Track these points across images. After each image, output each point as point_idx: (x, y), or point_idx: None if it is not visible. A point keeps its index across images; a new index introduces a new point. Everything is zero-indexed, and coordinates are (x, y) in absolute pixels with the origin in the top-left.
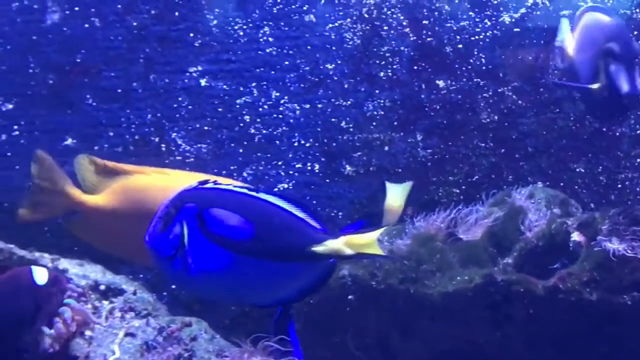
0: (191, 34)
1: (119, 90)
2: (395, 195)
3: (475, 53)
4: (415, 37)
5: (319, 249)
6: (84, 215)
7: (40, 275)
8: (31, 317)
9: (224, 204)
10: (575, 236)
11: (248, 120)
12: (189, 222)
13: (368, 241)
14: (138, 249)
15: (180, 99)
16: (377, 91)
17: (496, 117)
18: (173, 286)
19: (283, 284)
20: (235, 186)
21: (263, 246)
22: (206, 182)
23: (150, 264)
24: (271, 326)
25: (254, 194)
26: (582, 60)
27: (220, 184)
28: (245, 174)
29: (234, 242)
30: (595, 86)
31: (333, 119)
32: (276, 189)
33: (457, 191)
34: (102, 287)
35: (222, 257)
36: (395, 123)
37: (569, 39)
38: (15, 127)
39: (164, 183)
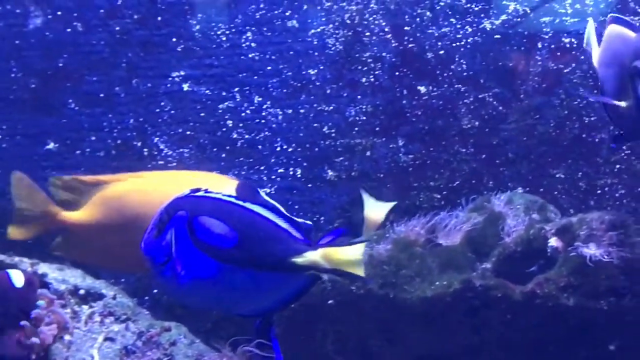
0: (174, 39)
1: (102, 95)
2: (376, 210)
3: (457, 59)
4: (397, 43)
5: (298, 260)
6: (69, 234)
7: (18, 278)
8: (12, 321)
9: (212, 212)
10: (553, 241)
11: (230, 125)
12: (180, 229)
13: (349, 258)
14: (127, 257)
15: (162, 103)
16: (359, 97)
17: (477, 123)
18: (164, 294)
19: (265, 293)
20: (224, 195)
21: (245, 255)
22: (198, 189)
23: (142, 271)
24: (254, 331)
25: (241, 203)
26: (606, 75)
27: (211, 192)
28: None
29: (219, 250)
30: (623, 104)
31: (315, 124)
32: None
33: (438, 196)
34: (82, 292)
35: (208, 265)
36: (377, 128)
37: (594, 46)
38: None
39: (140, 187)
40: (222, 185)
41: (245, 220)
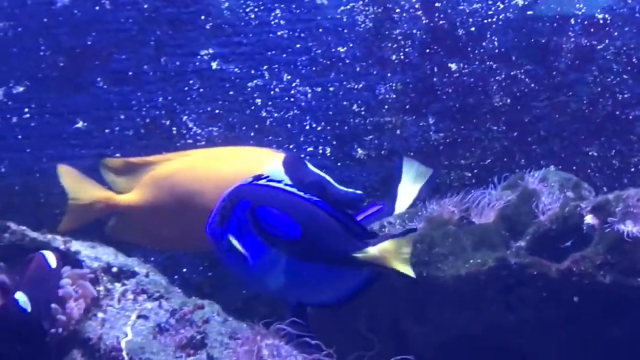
0: (202, 17)
1: (130, 73)
2: (412, 178)
3: (488, 36)
4: (427, 20)
5: (359, 255)
6: (122, 216)
7: (52, 259)
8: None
9: (275, 203)
10: (589, 219)
11: (259, 103)
12: (244, 218)
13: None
14: (180, 236)
15: (191, 81)
16: (389, 74)
17: (509, 101)
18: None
19: (327, 286)
20: (286, 185)
21: (308, 248)
22: (260, 177)
23: (196, 249)
24: (288, 310)
25: (302, 194)
26: None
27: (273, 181)
28: None
29: (282, 241)
30: None
31: (345, 102)
32: None
33: (469, 175)
34: (114, 270)
35: (269, 255)
36: (407, 106)
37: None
38: (26, 110)
39: (189, 165)
40: (269, 159)
41: (307, 213)
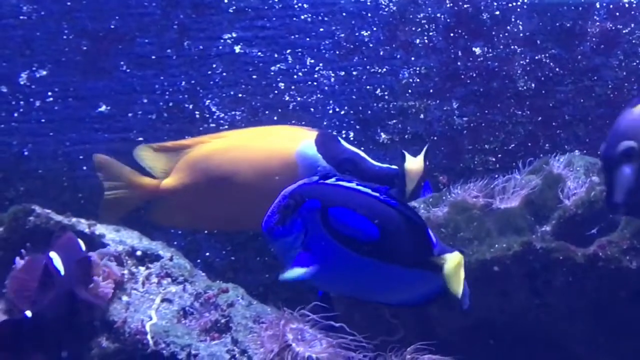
0: (225, 0)
1: (153, 57)
2: (414, 160)
3: (513, 20)
4: (451, 4)
5: (439, 261)
6: (162, 201)
7: (81, 243)
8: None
9: (349, 204)
10: None
11: (282, 87)
12: (312, 218)
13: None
14: (219, 216)
15: (214, 65)
16: (412, 58)
17: (533, 85)
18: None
19: (405, 288)
20: (358, 184)
21: (387, 250)
22: (327, 176)
23: (236, 230)
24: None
25: (377, 195)
26: None
27: (343, 180)
28: None
29: (358, 243)
30: None
31: (368, 87)
32: None
33: (493, 159)
34: (139, 253)
35: (344, 257)
36: (431, 91)
37: None
38: (49, 93)
39: (222, 146)
40: (301, 137)
41: (383, 214)
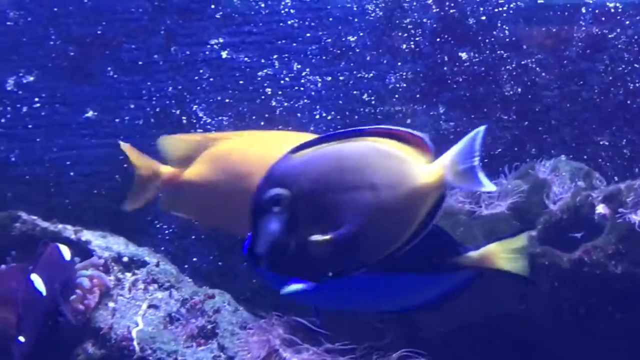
0: (212, 6)
1: (140, 63)
2: None
3: (499, 25)
4: (437, 9)
5: (460, 261)
6: (178, 190)
7: (65, 252)
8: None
9: None
10: (600, 209)
11: (269, 92)
12: None
13: (510, 257)
14: (232, 215)
15: (201, 71)
16: (399, 63)
17: (519, 90)
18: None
19: (424, 293)
20: None
21: (404, 260)
22: None
23: (241, 233)
24: None
25: None
26: None
27: None
28: None
29: None
30: None
31: (355, 92)
32: None
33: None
34: (125, 259)
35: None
36: (418, 95)
37: None
38: (37, 99)
39: (244, 145)
40: None
41: None
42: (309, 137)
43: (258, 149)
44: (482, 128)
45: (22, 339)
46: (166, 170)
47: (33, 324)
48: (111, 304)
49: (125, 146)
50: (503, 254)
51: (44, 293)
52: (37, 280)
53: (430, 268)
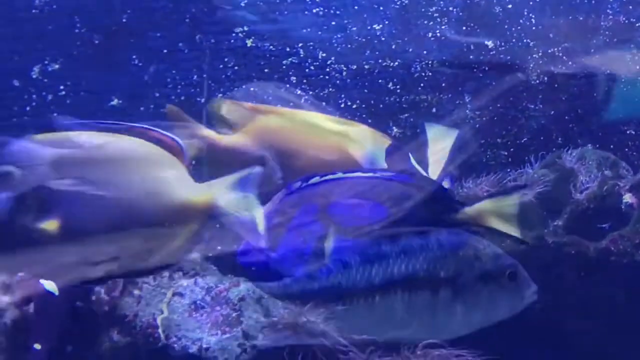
0: None
1: (165, 51)
2: (438, 142)
3: (525, 13)
4: None
5: (456, 216)
6: (216, 155)
7: None
8: None
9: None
10: (627, 198)
11: (294, 81)
12: None
13: (500, 212)
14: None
15: (226, 59)
16: (424, 52)
17: (546, 79)
18: None
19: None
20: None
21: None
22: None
23: None
24: None
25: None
26: None
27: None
28: None
29: None
30: None
31: (380, 80)
32: None
33: (505, 153)
34: None
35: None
36: (443, 84)
37: None
38: (62, 87)
39: (295, 126)
40: (373, 142)
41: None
42: (369, 133)
43: (309, 134)
44: (258, 168)
45: (37, 346)
46: (209, 133)
47: (48, 329)
48: (136, 292)
49: (171, 107)
50: (495, 213)
51: (56, 293)
52: (47, 283)
53: (431, 223)
